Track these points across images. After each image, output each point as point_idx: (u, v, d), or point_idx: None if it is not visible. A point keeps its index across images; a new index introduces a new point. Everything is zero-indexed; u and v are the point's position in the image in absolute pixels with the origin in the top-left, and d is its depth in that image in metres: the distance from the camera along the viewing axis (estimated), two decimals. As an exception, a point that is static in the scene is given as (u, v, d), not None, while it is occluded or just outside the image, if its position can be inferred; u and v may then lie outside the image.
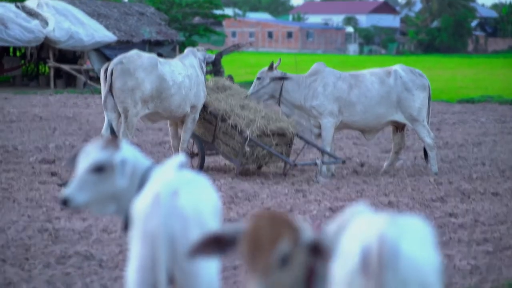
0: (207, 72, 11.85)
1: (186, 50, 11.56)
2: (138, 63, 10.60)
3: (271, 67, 11.51)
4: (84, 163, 3.87)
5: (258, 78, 11.57)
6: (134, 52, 10.80)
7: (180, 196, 3.64)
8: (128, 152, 3.92)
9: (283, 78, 11.43)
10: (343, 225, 3.24)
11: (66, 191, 3.84)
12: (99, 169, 3.86)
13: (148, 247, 3.61)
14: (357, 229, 3.12)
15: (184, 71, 11.06)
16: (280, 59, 11.88)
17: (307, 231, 3.10)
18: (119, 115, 10.59)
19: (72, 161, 4.01)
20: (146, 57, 10.76)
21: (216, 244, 3.13)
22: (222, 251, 3.13)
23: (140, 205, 3.67)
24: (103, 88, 10.60)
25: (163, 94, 10.79)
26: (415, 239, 3.09)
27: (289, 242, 3.02)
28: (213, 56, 11.91)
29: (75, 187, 3.85)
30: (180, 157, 3.87)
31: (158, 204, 3.59)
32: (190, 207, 3.64)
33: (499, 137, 15.98)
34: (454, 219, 8.49)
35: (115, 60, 10.63)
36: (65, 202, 3.84)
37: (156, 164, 4.00)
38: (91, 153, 3.88)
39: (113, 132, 10.31)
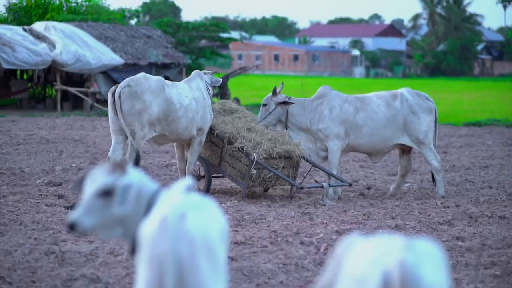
0: (213, 95, 11.86)
1: (193, 73, 11.59)
2: (146, 86, 10.63)
3: (274, 92, 11.53)
4: (91, 187, 3.88)
5: (264, 105, 11.61)
6: (141, 75, 10.83)
7: (188, 219, 3.63)
8: (134, 176, 3.92)
9: (287, 103, 11.45)
10: (340, 260, 3.24)
11: (73, 215, 3.85)
12: (106, 193, 3.87)
13: (155, 271, 3.60)
14: (372, 254, 3.11)
15: (191, 93, 11.09)
16: (283, 83, 11.90)
17: None
18: (126, 138, 10.61)
19: (78, 185, 4.01)
20: (153, 79, 10.79)
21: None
22: None
23: (147, 229, 3.66)
24: (111, 111, 10.63)
25: (170, 117, 10.81)
26: (432, 263, 3.09)
27: None
28: (221, 80, 11.92)
29: (82, 211, 3.85)
30: (187, 180, 3.87)
31: (166, 228, 3.59)
32: (198, 231, 3.63)
33: (506, 160, 15.95)
34: (461, 243, 8.46)
35: (123, 83, 10.66)
36: (72, 227, 3.84)
37: (163, 187, 4.00)
38: (98, 177, 3.89)
39: (137, 161, 10.35)
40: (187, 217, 3.63)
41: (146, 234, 3.65)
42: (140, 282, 3.64)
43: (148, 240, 3.63)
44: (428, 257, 3.11)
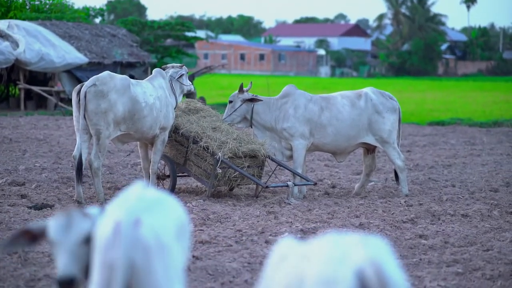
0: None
1: (154, 72, 11.50)
2: (111, 85, 10.58)
3: (241, 89, 11.55)
4: (69, 236, 3.70)
5: (230, 101, 11.62)
6: (106, 74, 10.76)
7: (142, 224, 3.58)
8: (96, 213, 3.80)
9: (253, 100, 11.48)
10: (276, 265, 3.27)
11: (63, 270, 3.64)
12: (88, 240, 3.74)
13: (105, 276, 3.55)
14: (334, 253, 3.13)
15: (154, 92, 11.06)
16: (251, 83, 11.91)
17: None
18: (91, 137, 10.55)
19: (10, 245, 3.83)
20: (118, 78, 10.73)
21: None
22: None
23: (101, 232, 3.60)
24: (75, 110, 10.55)
25: (135, 116, 10.77)
26: (391, 258, 3.16)
27: None
28: (182, 73, 11.70)
29: (69, 263, 3.66)
30: (140, 184, 3.82)
31: (119, 234, 3.53)
32: (153, 236, 3.58)
33: (468, 159, 16.12)
34: (424, 241, 8.54)
35: (88, 82, 10.58)
36: (69, 282, 3.61)
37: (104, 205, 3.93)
38: (73, 225, 3.70)
39: (79, 167, 10.30)
40: (141, 222, 3.58)
41: (100, 237, 3.60)
42: (92, 285, 3.60)
43: (101, 245, 3.57)
44: (387, 252, 3.16)
